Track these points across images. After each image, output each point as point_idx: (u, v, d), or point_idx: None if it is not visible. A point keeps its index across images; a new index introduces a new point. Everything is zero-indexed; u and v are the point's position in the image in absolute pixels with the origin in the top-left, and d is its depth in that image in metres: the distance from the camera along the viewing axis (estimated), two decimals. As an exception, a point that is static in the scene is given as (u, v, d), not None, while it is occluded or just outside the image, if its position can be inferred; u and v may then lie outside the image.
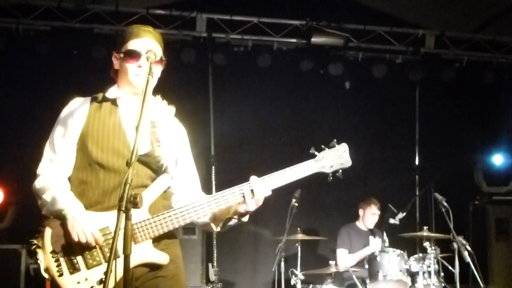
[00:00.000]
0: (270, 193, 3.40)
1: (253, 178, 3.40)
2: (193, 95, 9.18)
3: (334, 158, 3.53)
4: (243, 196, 3.37)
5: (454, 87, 10.07)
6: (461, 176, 9.78)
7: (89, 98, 3.55)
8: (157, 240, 3.38)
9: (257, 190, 3.37)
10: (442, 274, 7.69)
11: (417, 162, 10.37)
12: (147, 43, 3.45)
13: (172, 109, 3.64)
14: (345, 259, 8.46)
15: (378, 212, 8.72)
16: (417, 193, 9.70)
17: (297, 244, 7.83)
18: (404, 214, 8.20)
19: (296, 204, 7.73)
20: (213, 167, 9.08)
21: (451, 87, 10.07)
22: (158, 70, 3.49)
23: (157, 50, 3.45)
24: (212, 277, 8.49)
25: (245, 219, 3.52)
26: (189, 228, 8.15)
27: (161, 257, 3.38)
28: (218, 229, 3.63)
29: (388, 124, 10.37)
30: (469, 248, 7.06)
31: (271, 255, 7.84)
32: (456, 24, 10.06)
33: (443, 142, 10.34)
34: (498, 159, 9.55)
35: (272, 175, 3.41)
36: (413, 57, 10.02)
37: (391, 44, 9.97)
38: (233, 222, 3.56)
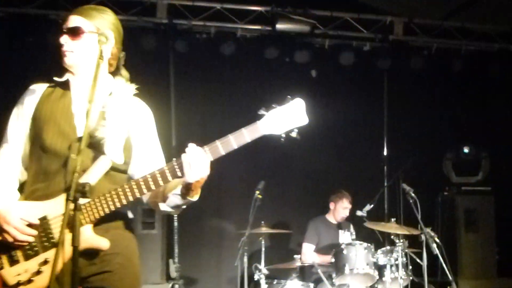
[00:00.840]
0: (206, 163, 3.14)
1: (190, 145, 3.18)
2: (154, 83, 8.94)
3: (286, 116, 3.19)
4: (179, 168, 3.15)
5: (423, 75, 10.01)
6: (430, 166, 9.77)
7: (46, 84, 3.53)
8: (104, 232, 3.27)
9: (190, 159, 3.14)
10: (410, 267, 7.68)
11: (385, 153, 10.31)
12: (70, 21, 3.44)
13: (131, 88, 3.53)
14: (310, 254, 8.39)
15: (350, 206, 8.66)
16: (386, 184, 9.62)
17: (261, 238, 7.76)
18: (372, 205, 8.13)
19: (260, 196, 7.62)
20: (174, 159, 8.90)
21: (420, 75, 10.00)
22: (87, 45, 3.42)
23: (82, 25, 3.42)
24: (173, 274, 8.35)
25: (194, 198, 3.30)
26: (148, 223, 8.11)
27: (101, 242, 3.23)
28: (165, 208, 3.46)
29: (355, 113, 10.29)
30: (437, 240, 7.02)
31: (235, 250, 7.74)
32: (425, 10, 10.00)
33: (412, 132, 10.29)
34: (467, 149, 9.49)
35: (213, 143, 3.17)
36: (381, 45, 9.92)
37: (358, 31, 9.87)
38: (179, 200, 3.35)
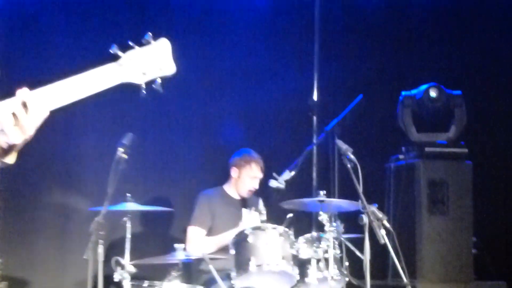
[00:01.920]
0: (41, 112, 3.04)
1: (20, 91, 3.06)
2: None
3: (149, 61, 3.20)
4: None
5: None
6: (379, 117, 9.95)
7: None
8: None
9: (14, 109, 3.02)
10: (347, 263, 7.76)
11: (315, 97, 10.22)
12: None
13: None
14: (198, 243, 8.36)
15: (261, 175, 8.69)
16: (314, 141, 9.58)
17: (125, 218, 7.63)
18: (293, 173, 8.10)
19: (125, 157, 7.46)
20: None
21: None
22: None
23: None
24: (-7, 274, 8.38)
25: (10, 159, 3.24)
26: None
27: None
28: None
29: (272, 41, 10.39)
30: (387, 224, 7.08)
31: (86, 236, 7.56)
32: None
33: (354, 68, 10.45)
34: (434, 93, 9.52)
35: (52, 85, 3.08)
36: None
37: None
38: None
